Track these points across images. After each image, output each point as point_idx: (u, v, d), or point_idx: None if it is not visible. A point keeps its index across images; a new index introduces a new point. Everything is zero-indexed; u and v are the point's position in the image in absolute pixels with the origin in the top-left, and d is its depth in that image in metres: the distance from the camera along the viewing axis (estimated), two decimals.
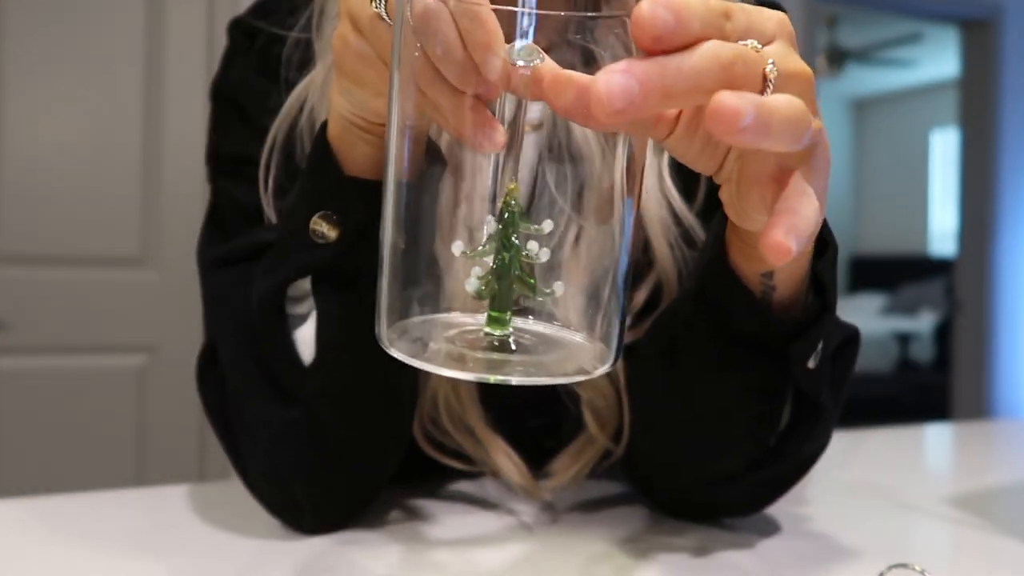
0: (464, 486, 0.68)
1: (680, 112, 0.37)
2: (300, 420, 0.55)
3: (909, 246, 7.26)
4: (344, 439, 0.56)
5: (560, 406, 0.64)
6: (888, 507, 0.69)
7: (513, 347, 0.34)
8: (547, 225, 0.34)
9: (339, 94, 0.47)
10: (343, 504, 0.59)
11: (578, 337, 0.35)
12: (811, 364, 0.50)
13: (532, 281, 0.34)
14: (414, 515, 0.62)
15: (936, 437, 1.17)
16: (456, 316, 0.36)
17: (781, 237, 0.33)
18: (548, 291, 0.34)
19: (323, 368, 0.54)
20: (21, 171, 2.02)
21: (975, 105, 3.71)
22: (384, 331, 0.36)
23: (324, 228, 0.51)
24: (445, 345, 0.35)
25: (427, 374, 0.62)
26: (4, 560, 0.53)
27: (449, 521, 0.61)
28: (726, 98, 0.30)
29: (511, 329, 0.34)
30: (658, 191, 0.61)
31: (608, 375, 0.62)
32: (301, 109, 0.60)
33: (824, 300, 0.50)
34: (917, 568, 0.48)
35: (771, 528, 0.61)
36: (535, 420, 0.65)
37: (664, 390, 0.57)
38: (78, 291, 2.06)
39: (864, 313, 6.25)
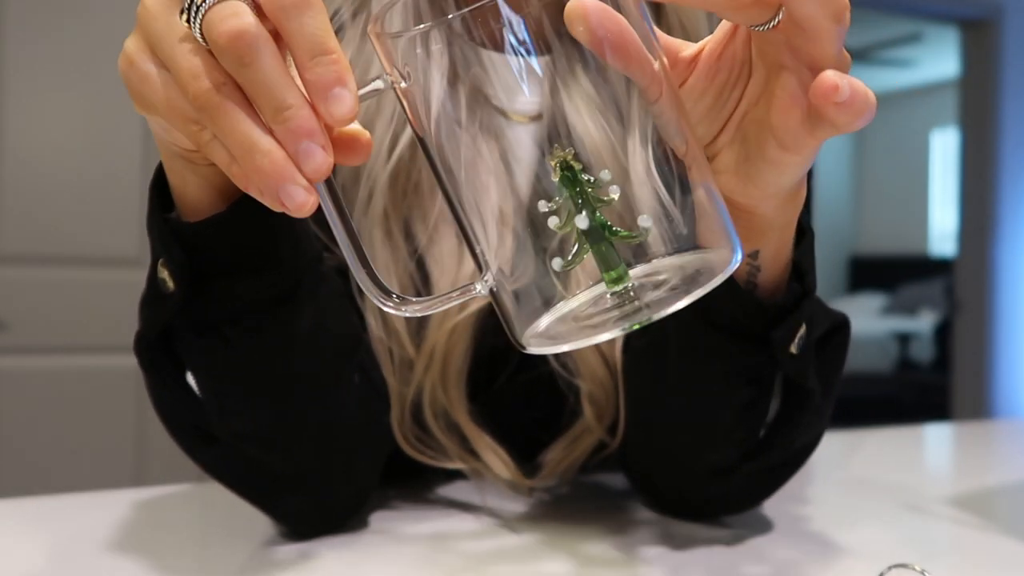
0: (448, 488, 0.68)
1: (695, 62, 0.39)
2: (228, 454, 0.54)
3: (909, 246, 7.26)
4: (281, 468, 0.55)
5: (557, 398, 0.64)
6: (888, 507, 0.69)
7: (639, 294, 0.34)
8: (614, 190, 0.33)
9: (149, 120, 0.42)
10: (316, 520, 0.57)
11: (697, 252, 0.35)
12: (794, 349, 0.50)
13: (618, 231, 0.34)
14: (399, 517, 0.62)
15: (936, 437, 1.17)
16: (578, 299, 0.35)
17: (832, 77, 0.34)
18: (636, 234, 0.34)
19: (214, 415, 0.52)
20: (21, 171, 2.02)
21: (975, 105, 3.71)
22: (520, 337, 0.36)
23: (165, 276, 0.47)
24: (576, 324, 0.35)
25: (400, 375, 0.62)
26: (4, 560, 0.53)
27: (434, 523, 0.61)
28: None
29: (632, 281, 0.34)
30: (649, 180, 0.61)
31: (608, 367, 0.62)
32: None
33: (804, 286, 0.50)
34: (917, 568, 0.48)
35: (770, 528, 0.61)
36: (530, 413, 0.65)
37: (655, 380, 0.58)
38: (78, 291, 2.06)
39: (864, 313, 6.24)
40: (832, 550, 0.57)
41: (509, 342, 0.36)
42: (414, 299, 0.37)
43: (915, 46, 6.05)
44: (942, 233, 6.96)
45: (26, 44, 2.00)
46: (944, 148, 6.93)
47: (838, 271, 7.40)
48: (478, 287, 0.36)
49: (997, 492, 0.77)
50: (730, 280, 0.48)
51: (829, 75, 0.34)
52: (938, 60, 6.37)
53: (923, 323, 5.99)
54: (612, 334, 0.34)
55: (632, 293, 0.34)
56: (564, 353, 0.63)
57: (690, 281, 0.35)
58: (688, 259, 0.35)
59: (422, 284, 0.61)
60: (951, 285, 4.21)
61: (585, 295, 0.35)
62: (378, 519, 0.61)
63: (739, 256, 0.35)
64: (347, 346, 0.56)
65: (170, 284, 0.46)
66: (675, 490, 0.62)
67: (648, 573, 0.52)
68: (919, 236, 7.30)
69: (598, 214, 0.33)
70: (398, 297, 0.37)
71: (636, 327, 0.34)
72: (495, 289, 0.36)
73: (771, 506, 0.64)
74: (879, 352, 5.72)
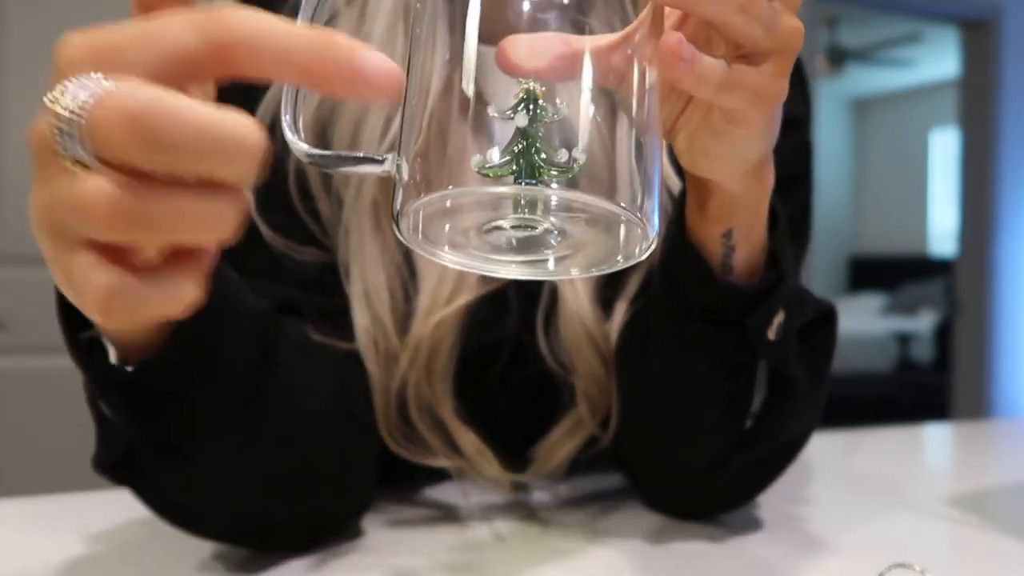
0: (435, 490, 0.68)
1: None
2: (217, 527, 0.52)
3: (909, 246, 7.26)
4: (270, 520, 0.53)
5: (548, 393, 0.63)
6: (888, 507, 0.69)
7: (543, 232, 0.32)
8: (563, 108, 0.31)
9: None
10: (310, 547, 0.55)
11: (614, 206, 0.32)
12: (772, 336, 0.50)
13: (550, 152, 0.31)
14: (388, 519, 0.62)
15: (936, 437, 1.17)
16: (481, 189, 0.32)
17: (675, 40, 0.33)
18: (566, 159, 0.31)
19: (193, 511, 0.50)
20: (21, 171, 2.02)
21: (975, 105, 3.71)
22: (403, 208, 0.32)
23: (105, 410, 0.46)
24: (463, 238, 0.33)
25: (385, 366, 0.61)
26: (4, 560, 0.53)
27: (420, 526, 0.61)
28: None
29: (540, 204, 0.31)
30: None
31: (604, 364, 0.62)
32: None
33: (779, 271, 0.50)
34: (917, 568, 0.48)
35: (769, 528, 0.61)
36: (522, 409, 0.64)
37: (641, 372, 0.58)
38: None
39: (864, 313, 6.24)
40: (832, 550, 0.57)
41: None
42: (325, 151, 0.35)
43: (915, 46, 6.05)
44: (942, 233, 6.96)
45: (26, 44, 2.00)
46: (944, 148, 6.93)
47: (838, 271, 7.40)
48: (387, 164, 0.33)
49: (997, 492, 0.77)
50: (706, 267, 0.49)
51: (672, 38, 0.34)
52: (938, 60, 6.37)
53: (923, 323, 5.99)
54: (508, 273, 0.33)
55: (539, 229, 0.32)
56: (560, 350, 0.62)
57: (591, 245, 0.33)
58: (604, 209, 0.32)
59: (409, 277, 0.60)
60: (951, 285, 4.21)
61: (491, 187, 0.31)
62: (369, 521, 0.61)
63: (652, 236, 0.33)
64: (330, 407, 0.54)
65: (114, 419, 0.45)
66: (666, 484, 0.62)
67: (646, 574, 0.52)
68: (919, 236, 7.30)
69: (541, 130, 0.31)
70: (308, 147, 0.34)
71: (530, 277, 0.32)
72: (400, 171, 0.33)
73: (770, 506, 0.65)
74: (879, 352, 5.72)
